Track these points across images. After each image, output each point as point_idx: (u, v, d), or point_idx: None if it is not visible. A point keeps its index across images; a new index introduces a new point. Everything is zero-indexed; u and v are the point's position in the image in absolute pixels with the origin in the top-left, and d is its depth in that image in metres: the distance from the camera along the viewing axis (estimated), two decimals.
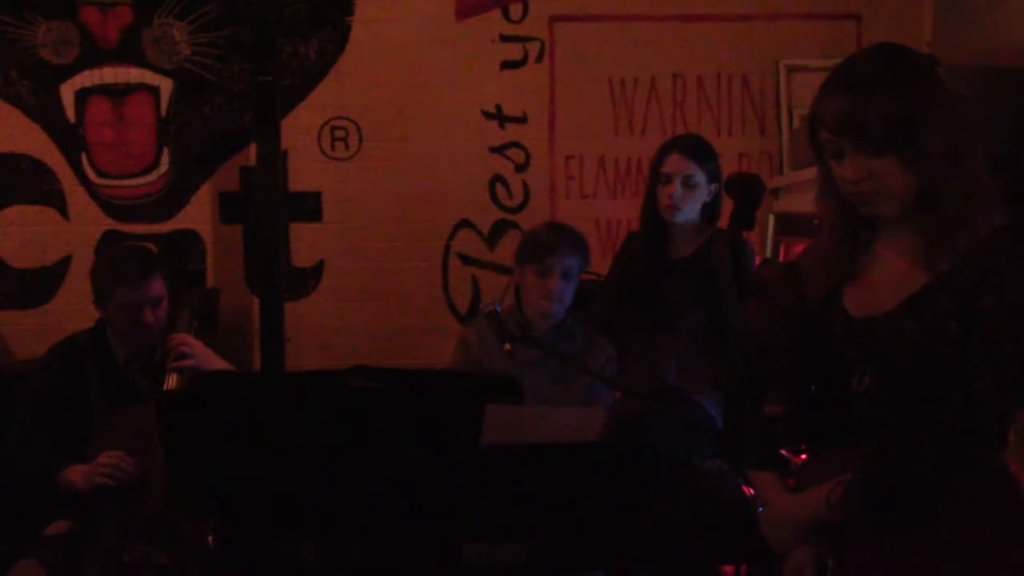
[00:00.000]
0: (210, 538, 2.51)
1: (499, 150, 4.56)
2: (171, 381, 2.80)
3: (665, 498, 2.77)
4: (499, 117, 4.55)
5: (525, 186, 4.57)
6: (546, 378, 2.94)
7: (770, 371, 1.86)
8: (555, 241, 2.97)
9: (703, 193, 3.22)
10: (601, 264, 4.35)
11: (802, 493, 1.79)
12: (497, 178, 4.56)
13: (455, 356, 3.12)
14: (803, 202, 2.95)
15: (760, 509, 1.87)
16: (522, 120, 4.55)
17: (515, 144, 4.56)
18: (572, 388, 2.96)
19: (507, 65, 4.54)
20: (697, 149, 3.26)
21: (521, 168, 4.56)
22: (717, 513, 2.85)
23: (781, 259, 4.02)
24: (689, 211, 3.22)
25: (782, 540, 1.81)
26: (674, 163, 3.20)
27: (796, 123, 4.44)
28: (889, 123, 1.65)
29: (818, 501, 1.73)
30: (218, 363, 2.88)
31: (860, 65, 1.72)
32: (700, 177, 3.20)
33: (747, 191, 2.21)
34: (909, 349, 1.68)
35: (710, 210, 3.28)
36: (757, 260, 3.45)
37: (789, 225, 4.00)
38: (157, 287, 2.88)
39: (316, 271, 4.56)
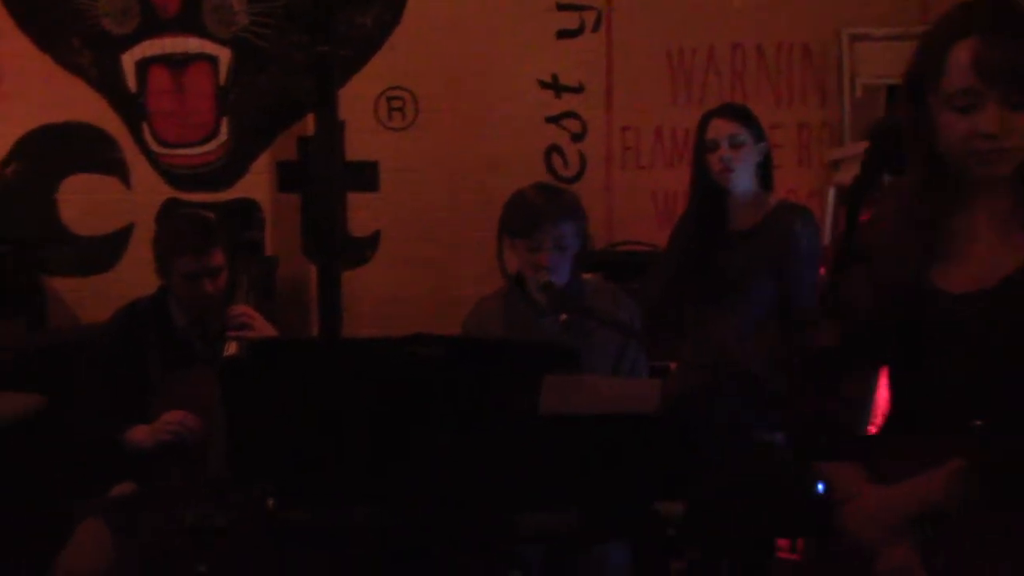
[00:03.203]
0: (270, 502, 2.54)
1: (555, 120, 4.53)
2: (230, 348, 2.84)
3: (722, 471, 2.75)
4: (555, 87, 4.52)
5: (581, 156, 4.54)
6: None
7: (851, 349, 1.72)
8: (542, 211, 2.75)
9: (752, 152, 3.17)
10: (657, 236, 4.32)
11: (902, 484, 1.65)
12: (553, 148, 4.54)
13: None
14: None
15: (839, 502, 1.72)
16: (578, 90, 4.52)
17: (571, 114, 4.53)
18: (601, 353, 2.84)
19: (563, 34, 4.50)
20: (736, 110, 3.24)
21: (577, 138, 4.54)
22: (774, 487, 2.83)
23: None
24: (743, 172, 3.16)
25: (876, 536, 1.66)
26: (717, 128, 3.17)
27: (859, 93, 4.35)
28: None
29: (925, 491, 1.62)
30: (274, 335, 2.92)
31: (996, 11, 1.58)
32: (745, 135, 3.16)
33: (891, 133, 2.04)
34: (1017, 328, 1.59)
35: (763, 172, 3.23)
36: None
37: None
38: (217, 257, 2.92)
39: (373, 240, 4.58)
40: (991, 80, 1.57)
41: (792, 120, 4.41)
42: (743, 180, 3.19)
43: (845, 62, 4.40)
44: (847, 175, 4.04)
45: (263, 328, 2.88)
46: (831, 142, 4.42)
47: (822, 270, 3.52)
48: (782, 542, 3.27)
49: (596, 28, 4.50)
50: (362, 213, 4.56)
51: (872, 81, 4.28)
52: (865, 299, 1.71)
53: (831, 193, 4.17)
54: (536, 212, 2.77)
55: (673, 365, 3.14)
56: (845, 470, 1.74)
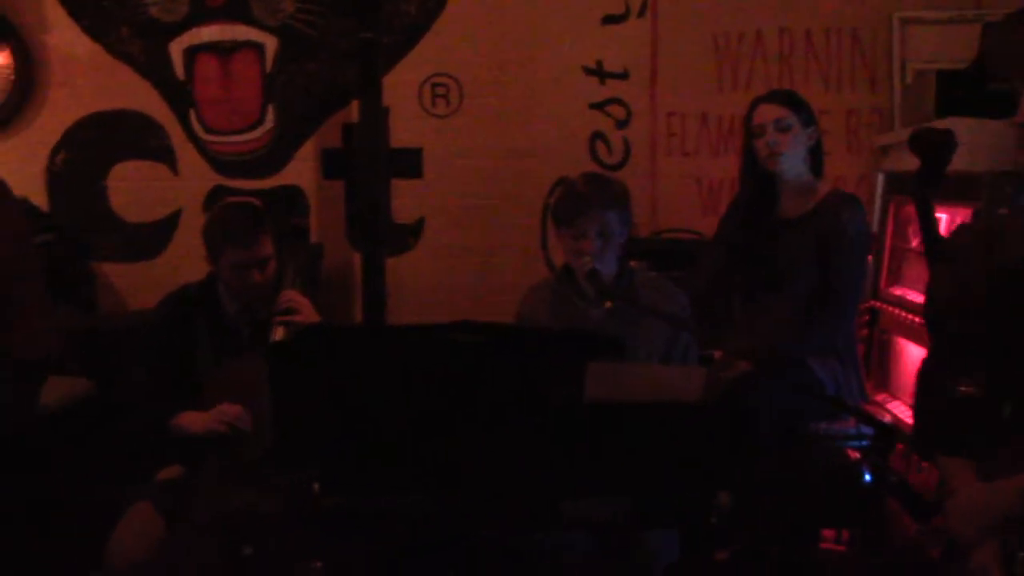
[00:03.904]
0: (315, 487, 2.56)
1: (599, 106, 4.51)
2: (278, 334, 2.86)
3: (768, 460, 2.73)
4: (600, 73, 4.50)
5: (626, 143, 4.51)
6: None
7: (961, 346, 1.71)
8: (587, 198, 2.76)
9: (800, 136, 3.13)
10: (702, 223, 4.29)
11: (995, 483, 1.65)
12: (597, 135, 4.52)
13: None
14: (915, 160, 2.86)
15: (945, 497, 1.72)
16: (623, 76, 4.49)
17: (616, 100, 4.50)
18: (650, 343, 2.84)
19: (609, 19, 4.47)
20: (782, 95, 3.22)
21: (622, 125, 4.51)
22: (821, 477, 2.80)
23: (891, 220, 3.90)
24: (791, 156, 3.13)
25: (970, 532, 1.66)
26: (762, 113, 3.15)
27: (909, 78, 4.28)
28: None
29: (1012, 492, 1.61)
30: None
31: None
32: (792, 119, 3.12)
33: (936, 147, 1.99)
34: None
35: (814, 157, 3.19)
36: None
37: (900, 184, 3.87)
38: (266, 247, 2.93)
39: (416, 227, 4.59)
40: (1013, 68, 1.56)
41: (841, 106, 4.35)
42: (792, 166, 3.15)
43: (895, 46, 4.33)
44: (896, 161, 3.98)
45: (310, 314, 2.89)
46: (880, 128, 4.36)
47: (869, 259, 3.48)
48: (827, 533, 3.24)
49: (642, 13, 4.46)
50: (406, 200, 4.57)
51: (923, 66, 4.19)
52: (952, 299, 1.67)
53: (880, 179, 4.11)
54: (581, 199, 2.78)
55: (718, 354, 3.12)
56: (955, 466, 1.74)
